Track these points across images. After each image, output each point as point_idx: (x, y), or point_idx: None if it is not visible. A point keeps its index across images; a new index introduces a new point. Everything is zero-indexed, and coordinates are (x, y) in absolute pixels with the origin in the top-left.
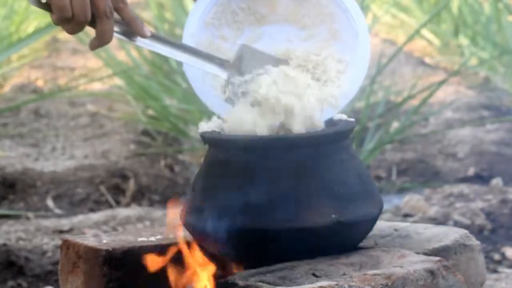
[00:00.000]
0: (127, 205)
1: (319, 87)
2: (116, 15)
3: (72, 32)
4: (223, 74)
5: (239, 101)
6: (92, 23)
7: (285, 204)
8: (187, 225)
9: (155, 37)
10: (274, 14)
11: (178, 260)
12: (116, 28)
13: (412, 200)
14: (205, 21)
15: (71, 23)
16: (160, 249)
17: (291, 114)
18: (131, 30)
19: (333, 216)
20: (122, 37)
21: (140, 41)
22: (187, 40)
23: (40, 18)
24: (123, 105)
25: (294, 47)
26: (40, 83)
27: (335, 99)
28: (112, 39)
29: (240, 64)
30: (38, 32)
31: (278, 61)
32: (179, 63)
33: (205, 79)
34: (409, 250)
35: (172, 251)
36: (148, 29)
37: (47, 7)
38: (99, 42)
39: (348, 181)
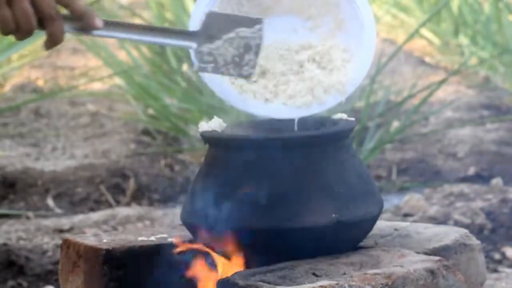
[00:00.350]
0: (127, 204)
1: (325, 75)
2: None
3: (21, 39)
4: (191, 45)
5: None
6: (41, 26)
7: (285, 203)
8: (187, 225)
9: (110, 24)
10: (279, 5)
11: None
12: (68, 25)
13: (412, 199)
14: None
15: (18, 33)
16: (160, 249)
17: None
18: (83, 24)
19: (333, 215)
20: (76, 32)
21: (95, 33)
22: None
23: None
24: (123, 105)
25: (299, 38)
26: (40, 82)
27: (342, 86)
28: (64, 37)
29: (208, 31)
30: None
31: (252, 21)
32: (179, 64)
33: None
34: (409, 249)
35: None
36: (100, 20)
37: None
38: (52, 43)
39: (348, 181)
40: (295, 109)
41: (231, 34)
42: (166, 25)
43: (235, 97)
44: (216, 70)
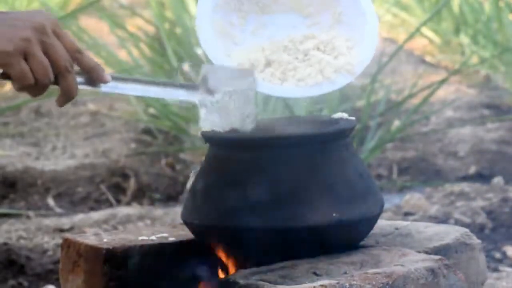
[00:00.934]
0: (128, 203)
1: (333, 59)
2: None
3: (36, 95)
4: (194, 98)
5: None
6: (55, 81)
7: (285, 202)
8: (188, 224)
9: (117, 79)
10: (277, 4)
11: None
12: (78, 79)
13: (413, 198)
14: (218, 4)
15: (35, 88)
16: (161, 248)
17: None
18: (92, 78)
19: (334, 215)
20: (84, 86)
21: (103, 86)
22: (201, 21)
23: None
24: (124, 104)
25: (300, 31)
26: None
27: (351, 66)
28: (77, 92)
29: (207, 84)
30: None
31: (245, 73)
32: (179, 63)
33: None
34: (410, 248)
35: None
36: (108, 75)
37: (5, 76)
38: (66, 98)
39: (349, 180)
40: (307, 89)
41: (229, 87)
42: (167, 24)
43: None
44: (221, 124)
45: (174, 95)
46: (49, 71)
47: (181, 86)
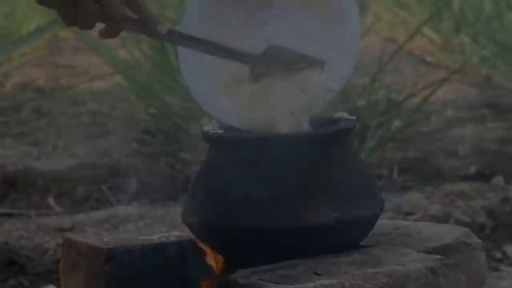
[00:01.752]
0: (128, 203)
1: (307, 85)
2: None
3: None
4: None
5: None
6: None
7: (285, 203)
8: (188, 224)
9: (174, 34)
10: None
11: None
12: (133, 27)
13: (413, 198)
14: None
15: (78, 26)
16: (162, 248)
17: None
18: (146, 29)
19: (334, 214)
20: (140, 33)
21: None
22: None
23: (41, 16)
24: (125, 104)
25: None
26: (41, 81)
27: (316, 100)
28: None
29: (265, 61)
30: (39, 30)
31: (312, 61)
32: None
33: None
34: (410, 248)
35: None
36: (165, 27)
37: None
38: (106, 37)
39: (349, 180)
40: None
41: (292, 67)
42: (168, 24)
43: (217, 105)
44: (259, 112)
45: (225, 57)
46: (92, 21)
47: (241, 54)
